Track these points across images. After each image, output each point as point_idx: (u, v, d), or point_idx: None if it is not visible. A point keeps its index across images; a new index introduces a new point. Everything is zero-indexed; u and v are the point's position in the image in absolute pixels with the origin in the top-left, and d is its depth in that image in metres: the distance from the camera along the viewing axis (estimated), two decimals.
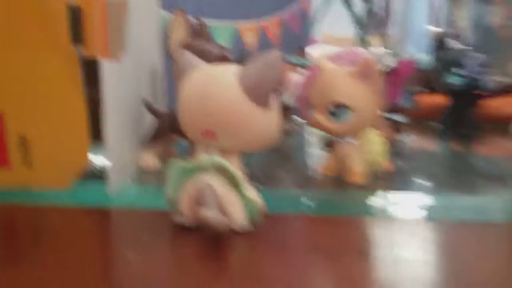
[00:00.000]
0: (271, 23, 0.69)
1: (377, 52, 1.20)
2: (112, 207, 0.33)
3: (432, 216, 0.33)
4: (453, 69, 0.59)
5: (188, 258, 0.25)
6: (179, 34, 0.41)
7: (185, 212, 0.28)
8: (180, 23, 0.41)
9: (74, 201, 0.34)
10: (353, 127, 0.37)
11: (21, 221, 0.31)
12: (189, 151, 0.30)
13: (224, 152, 0.28)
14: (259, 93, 0.27)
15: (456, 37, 0.65)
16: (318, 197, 0.37)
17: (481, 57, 0.60)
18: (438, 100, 0.65)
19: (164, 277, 0.23)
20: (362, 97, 0.36)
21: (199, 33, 0.42)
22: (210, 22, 0.60)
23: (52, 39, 0.32)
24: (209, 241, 0.27)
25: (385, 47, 1.09)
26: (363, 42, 1.06)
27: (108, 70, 0.33)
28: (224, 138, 0.28)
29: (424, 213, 0.33)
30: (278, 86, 0.28)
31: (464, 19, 1.14)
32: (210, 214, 0.25)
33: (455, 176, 0.45)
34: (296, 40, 0.72)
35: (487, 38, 1.01)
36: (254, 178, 0.30)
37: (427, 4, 1.33)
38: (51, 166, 0.35)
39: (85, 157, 0.36)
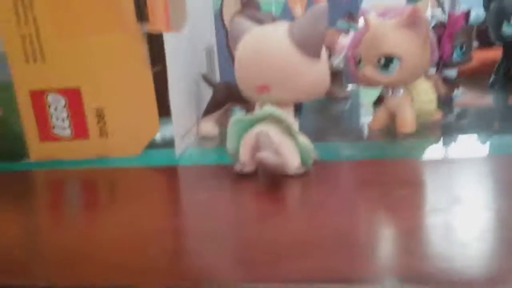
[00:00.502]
0: None
1: (428, 8, 1.17)
2: (179, 165, 0.37)
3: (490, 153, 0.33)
4: (508, 19, 0.58)
5: (249, 196, 0.28)
6: (231, 7, 0.43)
7: (245, 160, 0.31)
8: None
9: (145, 163, 0.38)
10: (403, 77, 0.38)
11: (98, 180, 0.35)
12: (247, 111, 0.33)
13: (278, 104, 0.31)
14: (308, 45, 0.29)
15: None
16: (368, 146, 0.38)
17: None
18: (492, 54, 0.64)
19: (228, 211, 0.26)
20: (410, 46, 0.37)
21: (249, 4, 0.44)
22: None
23: (119, 20, 0.35)
24: (267, 181, 0.30)
25: (437, 3, 1.06)
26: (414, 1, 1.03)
27: (170, 47, 0.36)
28: (277, 90, 0.30)
29: (481, 152, 0.34)
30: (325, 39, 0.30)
31: None
32: (267, 155, 0.28)
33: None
34: (344, 7, 0.73)
35: None
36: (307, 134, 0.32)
37: None
38: (125, 135, 0.39)
39: (155, 125, 0.39)
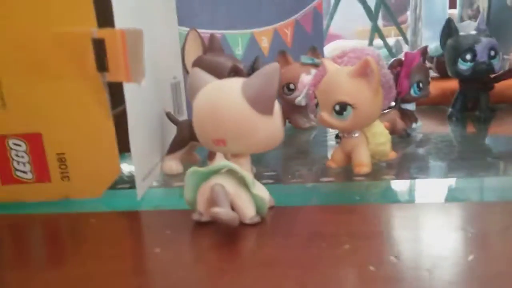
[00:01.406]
0: (285, 25, 0.72)
1: (391, 42, 1.21)
2: (139, 210, 0.37)
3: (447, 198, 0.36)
4: (463, 56, 0.61)
5: (205, 248, 0.29)
6: (193, 51, 0.44)
7: (202, 211, 0.32)
8: (194, 40, 0.44)
9: (107, 206, 0.39)
10: (357, 123, 0.40)
11: (61, 226, 0.35)
12: (209, 155, 0.34)
13: (235, 155, 0.32)
14: (261, 103, 0.30)
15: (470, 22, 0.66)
16: (325, 188, 0.40)
17: (491, 41, 0.61)
18: (452, 84, 0.67)
19: (182, 268, 0.27)
20: (363, 95, 0.38)
21: (213, 47, 0.46)
22: (225, 33, 0.65)
23: (80, 68, 0.36)
24: (223, 232, 0.31)
25: (401, 36, 1.10)
26: (378, 33, 1.07)
27: (131, 89, 0.37)
28: (233, 144, 0.31)
29: (437, 196, 0.36)
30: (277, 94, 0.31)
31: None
32: (220, 210, 0.29)
33: (469, 157, 0.47)
34: (309, 39, 0.75)
35: (507, 18, 1.00)
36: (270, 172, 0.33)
37: None
38: (86, 178, 0.39)
39: (116, 169, 0.40)
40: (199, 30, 0.62)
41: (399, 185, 0.40)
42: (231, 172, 0.32)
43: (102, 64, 0.35)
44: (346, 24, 1.56)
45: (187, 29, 0.60)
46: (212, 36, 0.46)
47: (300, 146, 0.59)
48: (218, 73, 0.42)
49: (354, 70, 0.38)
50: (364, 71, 0.38)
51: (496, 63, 0.60)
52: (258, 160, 0.50)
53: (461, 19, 1.24)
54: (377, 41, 1.23)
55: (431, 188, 0.39)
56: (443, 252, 0.27)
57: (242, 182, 0.31)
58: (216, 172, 0.32)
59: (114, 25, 0.35)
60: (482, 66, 0.60)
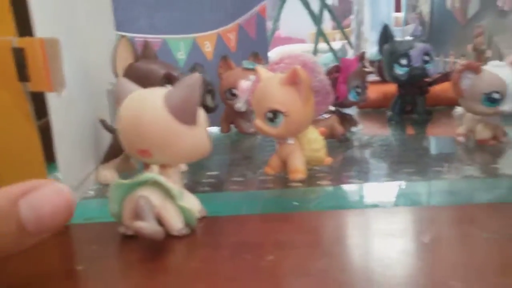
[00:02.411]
0: (229, 30, 0.71)
1: (338, 46, 1.23)
2: (69, 223, 0.36)
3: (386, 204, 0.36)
4: (398, 61, 0.62)
5: (130, 263, 0.29)
6: (124, 58, 0.43)
7: (128, 224, 0.31)
8: (124, 47, 0.44)
9: None
10: (289, 130, 0.40)
11: None
12: (144, 164, 0.33)
13: (162, 166, 0.32)
14: (183, 113, 0.30)
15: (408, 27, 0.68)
16: (261, 196, 0.40)
17: (425, 46, 0.63)
18: (392, 88, 0.69)
19: (106, 284, 0.26)
20: (293, 102, 0.39)
21: (145, 54, 0.45)
22: (166, 38, 0.64)
23: (0, 79, 0.34)
24: (150, 246, 0.30)
25: (345, 40, 1.12)
26: (323, 37, 1.08)
27: (56, 98, 0.36)
28: (158, 155, 0.31)
29: (374, 200, 0.37)
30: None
31: (426, 3, 1.17)
32: (143, 225, 0.28)
33: (407, 161, 0.48)
34: (253, 43, 0.75)
35: (447, 22, 1.04)
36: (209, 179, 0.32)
37: None
38: None
39: (43, 178, 0.38)
40: (139, 35, 0.61)
41: (335, 191, 0.41)
42: (158, 184, 0.31)
43: (23, 74, 0.34)
44: (298, 27, 1.58)
45: (127, 34, 0.59)
46: (146, 43, 0.46)
47: (243, 152, 0.59)
48: (150, 81, 0.41)
49: (284, 78, 0.39)
50: (293, 80, 0.38)
51: (430, 67, 0.62)
52: (200, 167, 0.50)
53: (406, 23, 1.29)
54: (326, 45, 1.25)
55: (368, 193, 0.40)
56: (378, 260, 0.27)
57: (168, 194, 0.31)
58: (142, 184, 0.31)
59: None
60: (417, 71, 0.62)
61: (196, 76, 0.29)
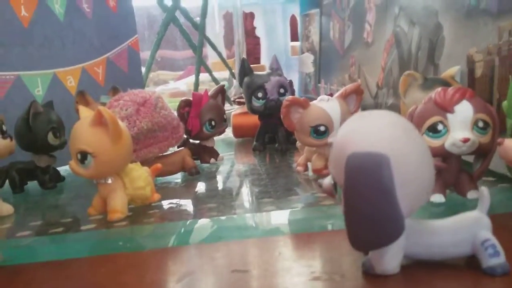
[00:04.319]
0: (96, 64, 0.71)
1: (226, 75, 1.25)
2: None
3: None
4: (255, 93, 0.65)
5: None
6: None
7: None
8: None
9: None
10: (99, 170, 0.40)
11: None
12: None
13: None
14: None
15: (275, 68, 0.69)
16: (80, 238, 0.40)
17: (280, 79, 0.65)
18: (253, 119, 0.71)
19: None
20: (101, 143, 0.39)
21: None
22: (21, 74, 0.62)
23: None
24: None
25: (229, 70, 1.15)
26: (205, 67, 1.10)
27: None
28: None
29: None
30: None
31: (315, 33, 1.23)
32: None
33: (257, 193, 0.49)
34: (126, 77, 0.75)
35: (331, 52, 1.10)
36: None
37: (287, 22, 1.43)
38: None
39: None
40: None
41: (159, 228, 0.41)
42: None
43: None
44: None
45: None
46: None
47: (86, 189, 0.58)
48: None
49: (91, 119, 0.39)
50: (99, 121, 0.38)
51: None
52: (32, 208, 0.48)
53: (302, 51, 1.34)
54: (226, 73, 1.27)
55: (196, 228, 0.40)
56: None
57: None
58: None
59: None
60: (272, 103, 0.64)
61: None
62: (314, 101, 0.51)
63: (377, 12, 0.80)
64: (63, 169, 0.59)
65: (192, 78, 1.12)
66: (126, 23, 0.77)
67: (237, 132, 0.82)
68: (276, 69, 0.67)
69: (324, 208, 0.42)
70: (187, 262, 0.33)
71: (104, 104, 0.61)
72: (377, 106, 0.77)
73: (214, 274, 0.31)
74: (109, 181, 0.42)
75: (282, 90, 0.65)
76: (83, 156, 0.39)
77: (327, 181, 0.28)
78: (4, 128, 0.44)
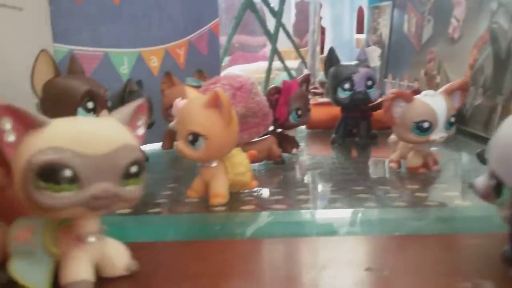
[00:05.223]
0: (177, 46, 0.71)
1: (296, 65, 1.24)
2: None
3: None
4: (342, 84, 0.63)
5: None
6: (44, 73, 0.42)
7: None
8: (44, 63, 0.42)
9: None
10: (209, 153, 0.39)
11: None
12: None
13: None
14: None
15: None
16: (179, 220, 0.39)
17: (368, 71, 0.63)
18: (335, 111, 0.69)
19: None
20: (214, 126, 0.38)
21: (71, 69, 0.44)
22: (109, 51, 0.62)
23: None
24: None
25: (301, 60, 1.13)
26: (278, 56, 1.09)
27: None
28: None
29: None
30: None
31: (385, 26, 1.19)
32: None
33: (342, 188, 0.48)
34: (204, 60, 0.74)
35: (404, 46, 1.06)
36: None
37: (354, 13, 1.39)
38: None
39: None
40: (80, 48, 0.60)
41: (258, 217, 0.40)
42: None
43: None
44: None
45: (66, 46, 0.58)
46: (72, 57, 0.44)
47: (177, 171, 0.58)
48: (70, 97, 0.40)
49: (206, 101, 0.38)
50: (214, 103, 0.38)
51: (372, 92, 0.63)
52: None
53: (367, 44, 1.30)
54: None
55: (296, 220, 0.39)
56: None
57: None
58: None
59: None
60: (359, 96, 0.62)
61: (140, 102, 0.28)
62: (418, 95, 0.48)
63: (468, 7, 0.77)
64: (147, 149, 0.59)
65: (256, 65, 1.10)
66: (209, 6, 0.76)
67: (310, 123, 0.80)
68: (364, 60, 0.65)
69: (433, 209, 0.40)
70: (317, 253, 0.32)
71: (194, 86, 0.61)
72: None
73: (347, 270, 0.29)
74: (214, 164, 0.41)
75: (369, 83, 0.63)
76: (195, 138, 0.38)
77: (482, 181, 0.26)
78: (108, 104, 0.44)
